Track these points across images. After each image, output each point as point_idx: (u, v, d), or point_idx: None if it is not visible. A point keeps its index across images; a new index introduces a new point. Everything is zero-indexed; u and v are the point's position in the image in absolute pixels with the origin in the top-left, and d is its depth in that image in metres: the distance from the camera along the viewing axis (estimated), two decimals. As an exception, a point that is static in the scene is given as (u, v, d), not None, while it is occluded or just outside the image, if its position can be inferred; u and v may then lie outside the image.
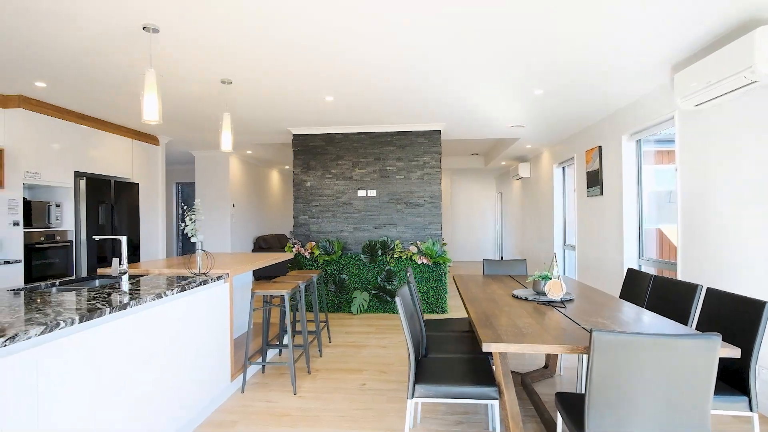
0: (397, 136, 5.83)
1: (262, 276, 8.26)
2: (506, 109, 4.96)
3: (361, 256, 5.74)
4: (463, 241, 12.04)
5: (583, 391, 2.36)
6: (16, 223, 4.27)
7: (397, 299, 2.33)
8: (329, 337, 4.60)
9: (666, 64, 3.56)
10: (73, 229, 4.87)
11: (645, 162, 4.63)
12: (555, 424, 2.61)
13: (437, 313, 5.64)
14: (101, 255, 5.18)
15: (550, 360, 3.54)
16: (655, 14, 2.70)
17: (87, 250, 4.97)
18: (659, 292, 2.86)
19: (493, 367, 2.32)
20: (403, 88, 4.20)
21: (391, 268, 5.66)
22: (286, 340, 4.11)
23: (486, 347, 1.87)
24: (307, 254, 5.79)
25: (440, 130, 5.76)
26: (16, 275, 4.19)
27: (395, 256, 5.64)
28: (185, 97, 4.41)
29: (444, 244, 5.71)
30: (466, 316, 5.47)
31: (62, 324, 1.67)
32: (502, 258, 11.41)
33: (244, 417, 2.81)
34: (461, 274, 4.10)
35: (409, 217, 5.81)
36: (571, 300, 2.79)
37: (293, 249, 5.79)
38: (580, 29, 2.89)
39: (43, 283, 2.68)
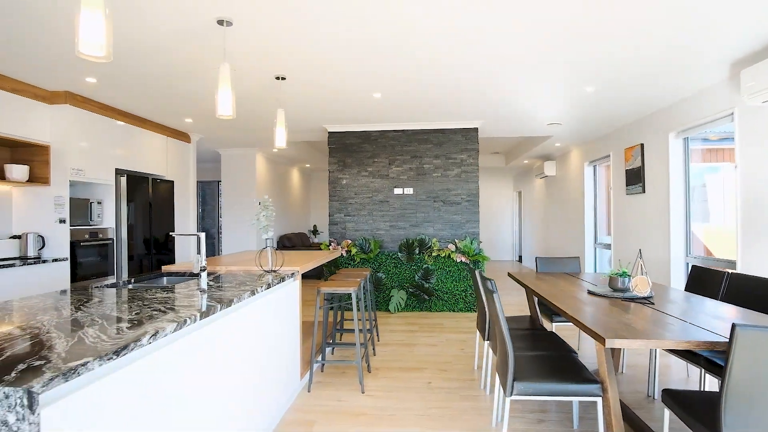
0: (434, 134, 5.79)
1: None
2: (547, 107, 4.93)
3: (398, 254, 5.71)
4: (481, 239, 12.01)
5: (683, 388, 2.33)
6: (62, 221, 4.21)
7: (495, 296, 2.29)
8: (378, 335, 4.56)
9: (725, 62, 3.54)
10: (113, 226, 4.82)
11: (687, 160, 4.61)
12: (639, 421, 2.58)
13: (474, 311, 5.61)
14: (137, 253, 5.13)
15: (614, 357, 3.51)
16: (719, 11, 2.67)
17: (127, 249, 4.92)
18: (738, 289, 2.84)
19: (579, 363, 2.29)
20: (450, 86, 4.16)
21: (429, 266, 5.63)
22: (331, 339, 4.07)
23: (609, 343, 1.84)
24: (343, 252, 5.75)
25: (477, 128, 5.73)
26: (63, 273, 4.14)
27: (433, 254, 5.61)
28: (237, 93, 4.35)
29: (479, 242, 5.69)
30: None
31: (188, 321, 1.63)
32: (520, 258, 11.39)
33: (320, 416, 2.77)
34: (510, 272, 4.07)
35: (446, 215, 5.77)
36: (651, 297, 2.76)
37: (329, 247, 5.75)
38: (640, 26, 2.86)
39: (121, 281, 2.64)
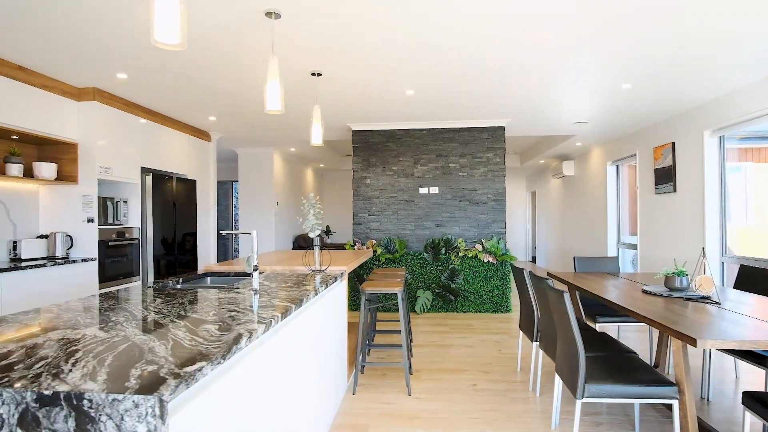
0: (459, 132, 5.72)
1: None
2: (577, 106, 4.86)
3: (424, 254, 5.63)
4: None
5: (760, 390, 2.25)
6: (90, 220, 4.13)
7: (565, 296, 2.21)
8: (411, 336, 4.48)
9: (766, 59, 3.47)
10: (139, 226, 4.74)
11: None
12: (705, 423, 2.51)
13: (502, 312, 5.54)
14: (163, 253, 5.04)
15: (660, 358, 3.44)
16: (762, 6, 2.60)
17: (153, 248, 4.84)
18: (799, 289, 2.76)
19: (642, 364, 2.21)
20: (483, 83, 4.10)
21: (456, 266, 5.55)
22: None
23: (702, 344, 1.76)
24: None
25: (504, 126, 5.65)
26: (91, 274, 4.05)
27: (460, 254, 5.53)
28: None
29: (506, 242, 5.61)
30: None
31: (273, 322, 1.55)
32: (534, 258, 11.32)
33: (373, 420, 2.69)
34: (551, 272, 4.00)
35: (472, 214, 5.70)
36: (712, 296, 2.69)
37: (354, 247, 5.67)
38: (682, 22, 2.79)
39: (169, 281, 2.56)
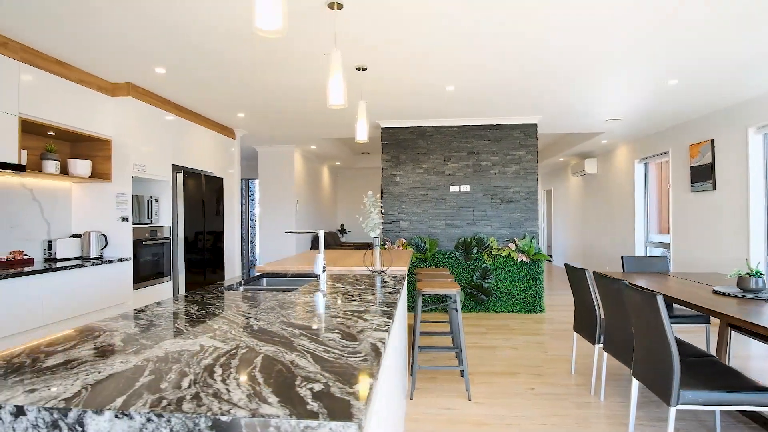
0: (491, 129, 5.62)
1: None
2: (614, 102, 4.76)
3: (455, 253, 5.53)
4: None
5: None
6: (125, 219, 4.02)
7: (659, 299, 2.12)
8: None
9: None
10: (169, 225, 4.63)
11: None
12: (787, 433, 2.42)
13: (535, 312, 5.45)
14: (192, 253, 4.93)
15: (722, 352, 3.35)
16: None
17: (185, 248, 4.72)
18: None
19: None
20: (522, 80, 3.99)
21: (488, 265, 5.46)
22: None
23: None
24: (397, 252, 5.57)
25: (536, 123, 5.55)
26: (126, 274, 3.94)
27: (493, 253, 5.43)
28: (308, 84, 4.17)
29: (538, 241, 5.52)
30: (562, 314, 5.29)
31: (389, 329, 1.45)
32: (551, 257, 11.24)
33: (439, 426, 2.59)
34: (598, 271, 3.90)
35: (504, 213, 5.60)
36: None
37: (385, 246, 5.57)
38: (734, 16, 2.70)
39: (235, 283, 2.46)
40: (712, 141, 5.00)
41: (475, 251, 5.49)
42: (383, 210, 5.75)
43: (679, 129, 5.71)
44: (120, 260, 3.86)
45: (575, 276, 3.28)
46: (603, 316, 3.03)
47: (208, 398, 0.86)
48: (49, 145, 3.59)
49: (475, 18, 2.81)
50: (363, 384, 0.94)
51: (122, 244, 4.01)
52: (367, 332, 1.35)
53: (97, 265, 3.59)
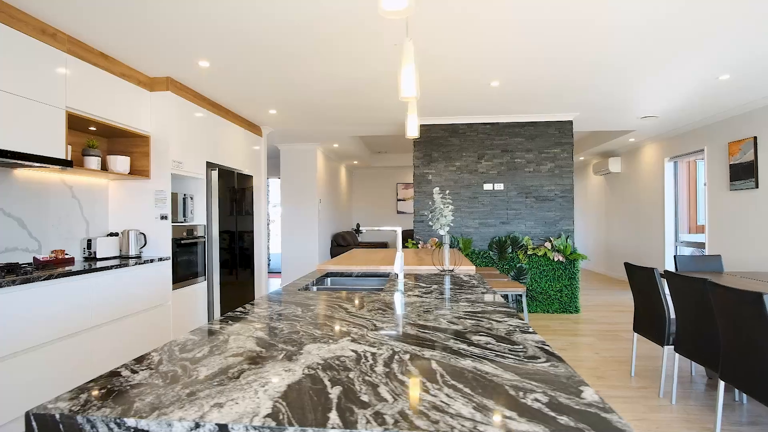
0: (525, 127, 5.52)
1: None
2: (654, 99, 4.67)
3: (489, 252, 5.43)
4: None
5: None
6: (164, 217, 3.90)
7: (766, 297, 2.02)
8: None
9: None
10: (204, 223, 4.51)
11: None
12: None
13: (571, 312, 5.35)
14: (225, 252, 4.82)
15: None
16: None
17: (221, 247, 4.61)
18: None
19: None
20: (566, 78, 3.90)
21: (523, 265, 5.36)
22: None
23: None
24: (430, 251, 5.47)
25: (572, 121, 5.46)
26: (166, 274, 3.82)
27: (528, 253, 5.34)
28: (349, 79, 4.07)
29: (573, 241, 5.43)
30: (599, 314, 5.21)
31: (535, 335, 1.34)
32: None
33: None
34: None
35: (538, 212, 5.51)
36: None
37: (418, 245, 5.47)
38: None
39: (309, 284, 2.35)
40: (755, 138, 4.92)
41: (510, 250, 5.39)
42: (417, 210, 5.65)
43: (716, 126, 5.63)
44: (161, 259, 3.74)
45: (638, 275, 3.19)
46: (673, 317, 2.93)
47: (435, 413, 0.76)
48: (91, 140, 3.47)
49: (518, 16, 2.71)
50: (588, 394, 0.84)
51: (161, 243, 3.89)
52: (516, 334, 1.25)
53: (140, 264, 3.48)
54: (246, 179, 5.30)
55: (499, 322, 1.41)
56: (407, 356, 1.07)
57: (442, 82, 4.13)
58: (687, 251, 6.60)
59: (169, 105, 3.94)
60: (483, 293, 1.93)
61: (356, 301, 1.76)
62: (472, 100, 4.75)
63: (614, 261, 8.42)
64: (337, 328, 1.34)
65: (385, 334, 1.26)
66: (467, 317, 1.47)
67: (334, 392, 0.85)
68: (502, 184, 5.54)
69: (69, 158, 3.09)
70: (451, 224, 2.65)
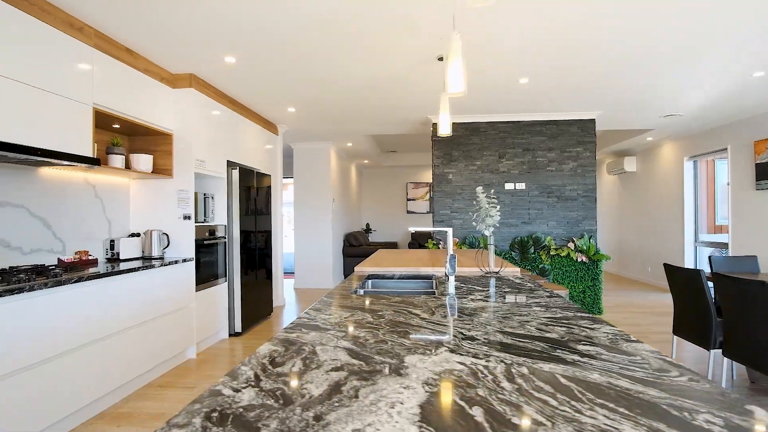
0: (547, 125, 5.44)
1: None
2: (681, 96, 4.59)
3: (511, 252, 5.35)
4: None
5: None
6: (187, 217, 3.81)
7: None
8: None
9: None
10: (225, 223, 4.41)
11: None
12: None
13: (594, 313, 5.25)
14: (244, 253, 4.71)
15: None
16: None
17: (241, 248, 4.51)
18: None
19: None
20: (595, 75, 3.81)
21: (546, 265, 5.27)
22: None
23: None
24: (451, 252, 5.38)
25: (594, 119, 5.38)
26: (189, 275, 3.73)
27: (551, 253, 5.25)
28: (377, 76, 3.98)
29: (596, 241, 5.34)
30: (622, 316, 5.13)
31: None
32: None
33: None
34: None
35: (560, 211, 5.42)
36: None
37: (438, 246, 5.38)
38: None
39: (355, 286, 2.25)
40: (783, 137, 4.84)
41: (532, 251, 5.30)
42: (437, 209, 5.56)
43: (741, 124, 5.55)
44: (185, 260, 3.65)
45: (680, 276, 3.10)
46: (719, 319, 2.85)
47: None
48: (115, 138, 3.38)
49: (550, 10, 2.63)
50: (762, 415, 0.75)
51: (184, 243, 3.80)
52: (622, 343, 1.16)
53: (165, 265, 3.38)
54: (264, 178, 5.20)
55: (592, 329, 1.32)
56: (524, 369, 0.98)
57: (469, 79, 4.04)
58: (706, 251, 6.52)
59: (192, 102, 3.84)
60: (548, 296, 1.84)
61: (422, 306, 1.66)
62: (496, 98, 4.66)
63: (628, 261, 8.34)
64: (418, 335, 1.25)
65: (480, 344, 1.17)
66: (553, 323, 1.38)
67: (478, 414, 0.76)
68: (523, 184, 5.45)
69: (95, 156, 2.99)
70: (497, 224, 2.56)
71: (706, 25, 2.93)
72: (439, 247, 5.35)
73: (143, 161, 3.55)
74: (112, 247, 3.49)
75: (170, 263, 3.43)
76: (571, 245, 5.25)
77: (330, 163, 7.28)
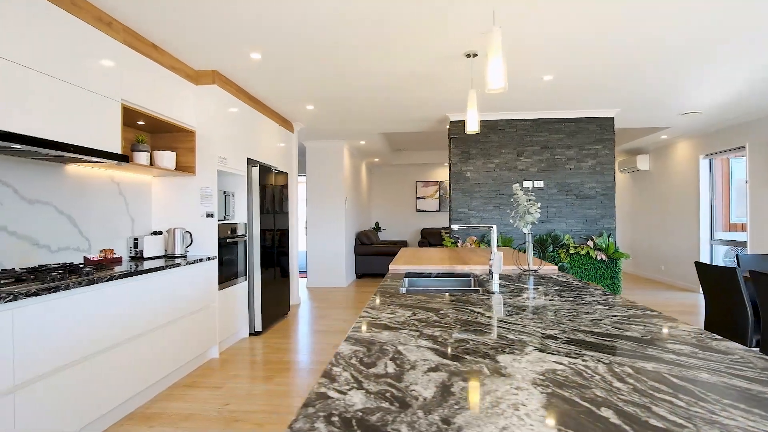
0: (566, 123, 5.40)
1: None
2: (700, 94, 4.55)
3: (529, 252, 5.31)
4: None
5: None
6: (209, 215, 3.77)
7: None
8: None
9: None
10: (245, 221, 4.38)
11: None
12: None
13: (613, 313, 5.23)
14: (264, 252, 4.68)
15: None
16: None
17: (261, 246, 4.47)
18: None
19: None
20: (626, 65, 3.77)
21: (564, 264, 5.24)
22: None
23: None
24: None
25: (613, 117, 5.34)
26: (212, 274, 3.69)
27: (570, 251, 5.22)
28: (400, 73, 3.94)
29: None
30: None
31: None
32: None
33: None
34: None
35: (579, 209, 5.39)
36: None
37: (457, 244, 5.34)
38: None
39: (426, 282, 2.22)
40: (805, 134, 4.80)
41: (551, 249, 5.27)
42: (455, 207, 5.52)
43: (760, 122, 5.51)
44: (209, 259, 3.61)
45: (713, 274, 3.06)
46: (755, 318, 2.81)
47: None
48: (140, 135, 3.34)
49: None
50: None
51: (207, 241, 3.76)
52: (709, 341, 1.12)
53: (191, 264, 3.34)
54: (281, 176, 5.17)
55: (671, 327, 1.28)
56: (627, 368, 0.94)
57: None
58: (722, 250, 6.49)
59: (214, 99, 3.80)
60: (603, 294, 1.80)
61: (480, 304, 1.63)
62: (519, 96, 4.62)
63: (640, 259, 8.31)
64: (495, 334, 1.22)
65: (563, 342, 1.14)
66: (626, 321, 1.35)
67: (610, 415, 0.72)
68: (542, 182, 5.42)
69: (124, 153, 2.96)
70: (536, 221, 2.52)
71: (732, 21, 2.89)
72: (457, 245, 5.32)
73: (167, 158, 3.51)
74: (135, 245, 3.46)
75: (195, 261, 3.40)
76: (590, 243, 5.21)
77: (343, 161, 7.24)
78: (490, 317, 1.43)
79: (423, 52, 3.45)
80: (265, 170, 4.63)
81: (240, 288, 4.24)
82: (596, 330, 1.26)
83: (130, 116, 3.16)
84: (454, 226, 2.20)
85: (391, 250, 7.92)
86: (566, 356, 1.03)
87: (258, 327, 4.44)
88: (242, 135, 4.31)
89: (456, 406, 0.76)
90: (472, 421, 0.71)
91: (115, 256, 3.21)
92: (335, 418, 0.72)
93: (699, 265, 3.21)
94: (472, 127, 3.44)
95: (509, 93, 4.51)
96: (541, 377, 0.90)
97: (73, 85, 2.51)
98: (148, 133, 3.73)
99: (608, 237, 5.25)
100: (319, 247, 7.28)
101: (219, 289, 3.81)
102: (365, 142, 7.31)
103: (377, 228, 10.12)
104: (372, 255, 7.97)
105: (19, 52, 2.17)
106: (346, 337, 1.20)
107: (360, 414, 0.73)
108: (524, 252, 3.39)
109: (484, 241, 5.35)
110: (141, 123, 3.37)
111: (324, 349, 4.00)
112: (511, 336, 1.20)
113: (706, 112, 5.32)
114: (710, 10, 2.79)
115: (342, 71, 3.88)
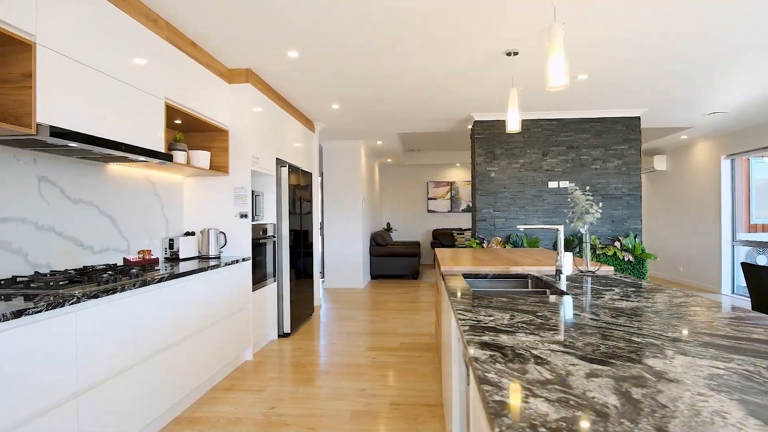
0: (592, 123, 5.37)
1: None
2: (728, 94, 4.53)
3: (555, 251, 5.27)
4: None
5: None
6: (243, 215, 3.72)
7: None
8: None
9: None
10: (274, 222, 4.32)
11: None
12: None
13: (640, 314, 5.20)
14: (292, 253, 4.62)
15: None
16: None
17: (291, 247, 4.42)
18: None
19: None
20: (660, 65, 3.74)
21: (591, 265, 5.19)
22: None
23: None
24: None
25: (639, 116, 5.31)
26: (246, 276, 3.64)
27: (597, 252, 5.18)
28: (436, 72, 3.89)
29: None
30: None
31: None
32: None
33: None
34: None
35: (605, 210, 5.35)
36: None
37: (482, 245, 5.30)
38: None
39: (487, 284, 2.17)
40: (834, 134, 4.78)
41: (577, 250, 5.23)
42: (479, 208, 5.48)
43: (784, 123, 5.49)
44: (244, 260, 3.56)
45: (763, 276, 3.03)
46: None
47: None
48: (177, 134, 3.29)
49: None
50: None
51: (241, 242, 3.71)
52: None
53: (228, 265, 3.29)
54: (306, 176, 5.12)
55: (794, 330, 1.24)
56: (796, 375, 0.90)
57: (526, 75, 3.96)
58: (743, 250, 6.47)
59: (248, 98, 3.75)
60: (685, 296, 1.76)
61: (567, 306, 1.59)
62: (550, 95, 4.59)
63: (657, 260, 8.28)
64: (618, 337, 1.17)
65: (695, 345, 1.09)
66: (739, 323, 1.30)
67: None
68: (567, 182, 5.38)
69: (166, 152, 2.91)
70: (595, 221, 2.48)
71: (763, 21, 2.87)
72: (482, 246, 5.28)
73: (202, 158, 3.46)
74: (171, 245, 3.40)
75: (232, 263, 3.35)
76: (617, 244, 5.18)
77: (360, 161, 7.20)
78: (595, 319, 1.39)
79: (466, 51, 3.41)
80: (293, 170, 4.58)
81: (269, 290, 4.19)
82: (719, 333, 1.21)
83: (169, 115, 3.11)
84: (521, 227, 2.15)
85: (406, 251, 7.87)
86: (715, 359, 0.99)
87: (287, 329, 4.39)
88: (271, 134, 4.26)
89: (657, 414, 0.71)
90: (689, 430, 0.66)
91: (152, 257, 3.16)
92: (543, 430, 0.67)
93: (746, 266, 3.17)
94: (513, 127, 3.40)
95: (544, 92, 4.47)
96: (713, 382, 0.85)
97: (122, 81, 2.45)
98: (184, 133, 3.67)
99: (635, 238, 5.21)
100: (336, 248, 7.22)
101: (252, 291, 3.76)
102: (382, 142, 7.27)
103: (388, 228, 10.07)
104: (387, 256, 7.92)
105: (74, 47, 2.12)
106: (467, 341, 1.15)
107: (564, 425, 0.69)
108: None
109: (510, 241, 5.31)
110: (178, 121, 3.32)
111: (355, 351, 3.95)
112: (637, 339, 1.16)
113: (732, 111, 5.30)
114: (743, 12, 2.75)
115: (373, 71, 3.83)
